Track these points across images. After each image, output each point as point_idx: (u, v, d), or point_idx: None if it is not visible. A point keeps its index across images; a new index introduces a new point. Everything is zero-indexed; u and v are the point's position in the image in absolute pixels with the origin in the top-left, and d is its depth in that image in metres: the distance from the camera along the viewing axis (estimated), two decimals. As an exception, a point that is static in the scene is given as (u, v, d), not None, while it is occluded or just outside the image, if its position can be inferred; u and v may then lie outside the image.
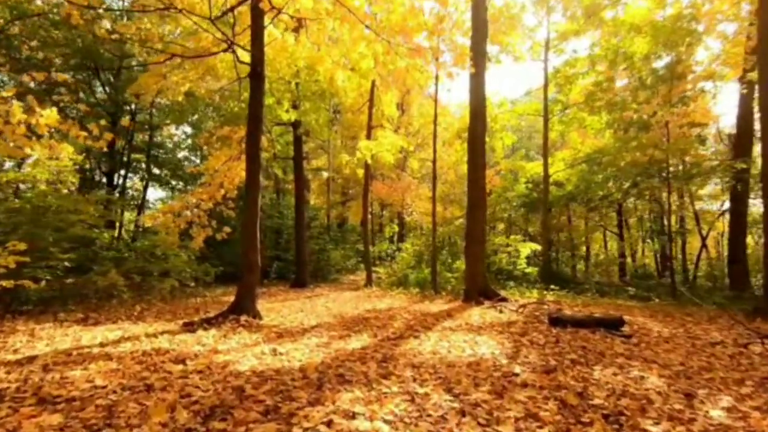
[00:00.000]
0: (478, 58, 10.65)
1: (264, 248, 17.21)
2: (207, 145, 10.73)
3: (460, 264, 13.32)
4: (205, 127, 13.46)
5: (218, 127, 10.64)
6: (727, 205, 20.31)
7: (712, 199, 21.86)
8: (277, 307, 9.34)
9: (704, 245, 19.69)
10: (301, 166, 15.33)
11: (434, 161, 13.14)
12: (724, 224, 23.17)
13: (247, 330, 6.30)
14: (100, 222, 11.54)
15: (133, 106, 18.20)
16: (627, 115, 15.55)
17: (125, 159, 17.99)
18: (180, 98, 12.16)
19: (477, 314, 8.11)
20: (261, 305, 9.57)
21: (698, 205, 20.94)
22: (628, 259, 20.85)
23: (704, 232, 20.20)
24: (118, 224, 18.60)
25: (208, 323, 6.54)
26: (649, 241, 22.96)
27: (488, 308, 9.04)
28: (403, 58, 10.45)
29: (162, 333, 5.92)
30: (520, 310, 8.28)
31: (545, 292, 11.41)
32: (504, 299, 10.19)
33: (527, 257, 13.89)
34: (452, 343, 5.56)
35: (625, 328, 6.46)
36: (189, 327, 6.29)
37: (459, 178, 20.54)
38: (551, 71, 15.81)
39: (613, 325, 6.45)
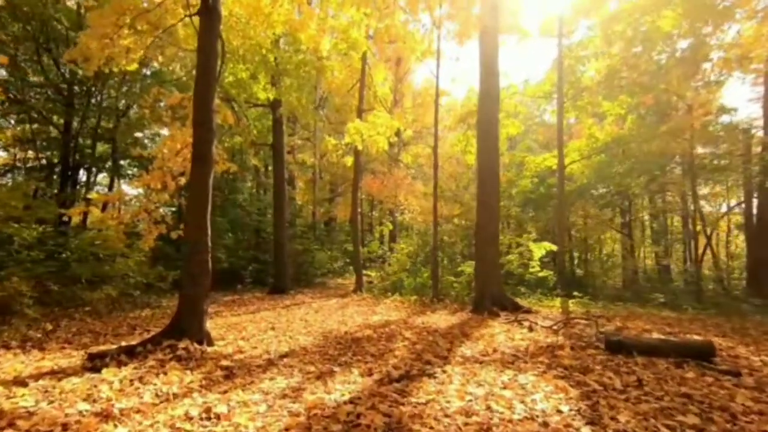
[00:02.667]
0: (490, 11, 8.83)
1: (219, 247, 15.14)
2: (154, 119, 8.67)
3: (466, 267, 11.47)
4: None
5: (163, 93, 8.56)
6: (727, 206, 18.96)
7: (713, 198, 20.55)
8: (243, 323, 7.34)
9: (710, 246, 18.18)
10: (282, 153, 13.33)
11: (435, 147, 11.26)
12: (729, 224, 21.79)
13: (182, 365, 4.31)
14: (29, 216, 9.42)
15: (91, 86, 16.05)
16: (647, 100, 13.92)
17: (76, 146, 15.70)
18: (133, 68, 10.10)
19: (501, 333, 6.23)
20: (223, 320, 7.59)
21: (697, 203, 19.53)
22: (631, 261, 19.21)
23: (707, 233, 18.75)
24: (76, 220, 16.36)
25: (128, 353, 4.54)
26: (649, 241, 21.42)
27: (510, 323, 7.18)
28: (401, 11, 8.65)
29: (44, 374, 3.91)
30: (556, 327, 6.43)
31: (569, 301, 9.61)
32: (527, 310, 8.37)
33: (540, 259, 12.09)
34: (489, 390, 3.66)
35: (716, 358, 4.65)
36: (96, 361, 4.29)
37: (460, 172, 18.76)
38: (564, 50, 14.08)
39: (699, 353, 4.63)
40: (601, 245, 19.45)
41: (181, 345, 4.76)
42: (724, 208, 19.43)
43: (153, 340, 4.87)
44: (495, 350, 5.09)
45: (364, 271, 14.69)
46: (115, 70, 9.94)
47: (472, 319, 7.97)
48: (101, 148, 17.88)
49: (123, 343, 5.42)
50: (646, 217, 21.23)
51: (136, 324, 6.76)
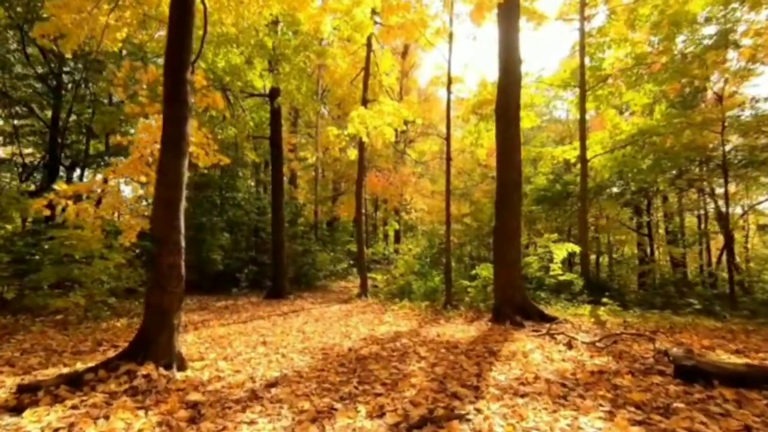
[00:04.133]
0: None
1: (215, 248, 14.15)
2: (127, 99, 7.68)
3: (482, 270, 10.46)
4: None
5: (137, 66, 7.57)
6: (743, 206, 17.76)
7: (732, 196, 19.40)
8: (231, 335, 6.35)
9: (729, 248, 17.07)
10: (280, 147, 12.36)
11: (448, 136, 10.23)
12: (747, 224, 20.62)
13: (137, 401, 3.32)
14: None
15: (77, 76, 15.13)
16: (675, 87, 12.88)
17: (63, 141, 14.76)
18: (116, 48, 9.15)
19: (535, 351, 5.20)
20: (209, 332, 6.61)
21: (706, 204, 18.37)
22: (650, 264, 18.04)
23: (730, 233, 17.61)
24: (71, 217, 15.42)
25: (71, 384, 3.56)
26: (664, 242, 20.28)
27: (540, 336, 6.17)
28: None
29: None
30: (601, 344, 5.39)
31: (598, 309, 8.55)
32: (555, 320, 7.36)
33: (562, 261, 11.05)
34: (547, 446, 2.65)
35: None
36: (25, 396, 3.30)
37: (469, 169, 17.77)
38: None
39: (803, 383, 3.61)
40: (619, 247, 18.35)
41: (142, 371, 3.77)
42: (739, 209, 18.22)
43: (108, 364, 3.89)
44: (536, 377, 4.07)
45: (370, 274, 13.70)
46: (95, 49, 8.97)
47: (493, 330, 6.98)
48: (96, 144, 17.02)
49: (79, 365, 4.46)
50: (662, 216, 20.09)
51: (104, 338, 5.78)
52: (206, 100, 7.61)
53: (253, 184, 19.79)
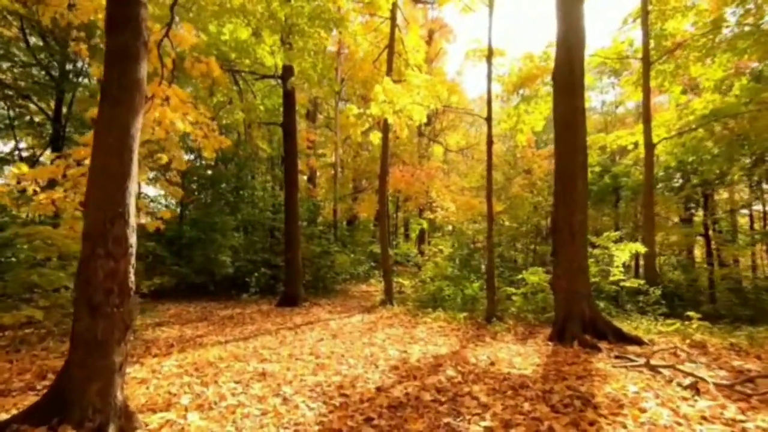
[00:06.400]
0: None
1: (224, 250, 12.78)
2: (91, 57, 6.46)
3: (531, 275, 8.76)
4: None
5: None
6: None
7: None
8: (222, 361, 4.91)
9: None
10: (294, 134, 10.96)
11: (489, 116, 8.58)
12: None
13: None
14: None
15: (79, 64, 14.17)
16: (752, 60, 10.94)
17: (64, 134, 13.74)
18: (99, 15, 7.92)
19: (645, 396, 3.54)
20: (194, 355, 5.15)
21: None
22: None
23: None
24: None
25: None
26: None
27: (635, 369, 4.50)
28: None
29: None
30: (745, 389, 3.70)
31: (691, 324, 6.75)
32: (637, 341, 5.74)
33: (624, 264, 9.29)
34: None
35: None
36: None
37: (507, 161, 16.04)
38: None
39: None
40: (678, 248, 16.26)
41: (52, 443, 2.35)
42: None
43: (3, 430, 2.48)
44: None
45: (394, 278, 12.15)
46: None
47: (559, 354, 5.36)
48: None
49: (-12, 416, 3.07)
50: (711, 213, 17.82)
51: (56, 366, 4.41)
52: (199, 67, 6.25)
53: (269, 179, 18.56)
